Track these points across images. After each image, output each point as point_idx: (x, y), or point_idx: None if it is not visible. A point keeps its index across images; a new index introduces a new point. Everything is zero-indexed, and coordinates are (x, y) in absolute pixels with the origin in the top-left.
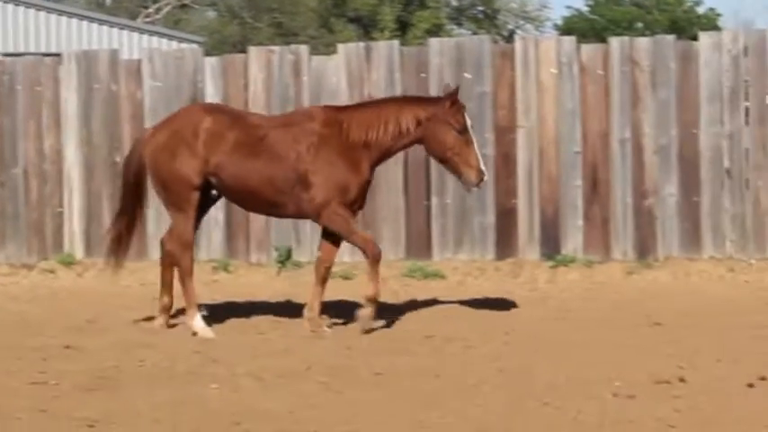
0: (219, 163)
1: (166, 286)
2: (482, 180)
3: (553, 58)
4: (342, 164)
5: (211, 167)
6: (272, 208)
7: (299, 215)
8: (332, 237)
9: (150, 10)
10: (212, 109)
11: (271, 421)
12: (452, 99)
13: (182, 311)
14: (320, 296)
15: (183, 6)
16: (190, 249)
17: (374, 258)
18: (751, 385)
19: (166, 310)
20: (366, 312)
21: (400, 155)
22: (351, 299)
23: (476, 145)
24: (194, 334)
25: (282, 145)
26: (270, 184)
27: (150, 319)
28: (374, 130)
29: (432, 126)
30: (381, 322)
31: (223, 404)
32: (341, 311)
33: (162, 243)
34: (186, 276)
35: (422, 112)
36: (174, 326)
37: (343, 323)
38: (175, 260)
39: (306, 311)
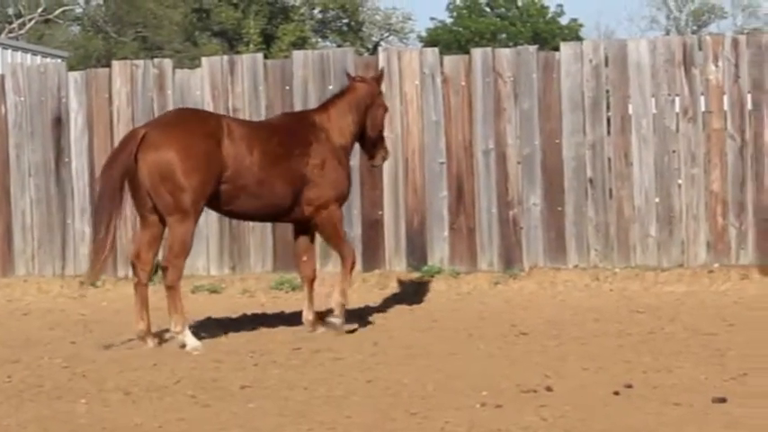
0: (241, 167)
1: (144, 308)
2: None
3: (416, 70)
4: (338, 165)
5: (230, 172)
6: (280, 213)
7: (294, 218)
8: (306, 238)
9: (14, 25)
10: (214, 113)
11: None
12: (380, 82)
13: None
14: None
15: (47, 21)
16: (186, 257)
17: (351, 269)
18: (617, 393)
19: (147, 333)
20: (336, 320)
21: None
22: (219, 314)
23: None
24: (183, 346)
25: (291, 149)
26: (288, 188)
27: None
28: (348, 128)
29: (372, 110)
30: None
31: (92, 420)
32: (209, 326)
33: (133, 264)
34: (177, 287)
35: (367, 100)
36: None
37: (213, 337)
38: (168, 271)
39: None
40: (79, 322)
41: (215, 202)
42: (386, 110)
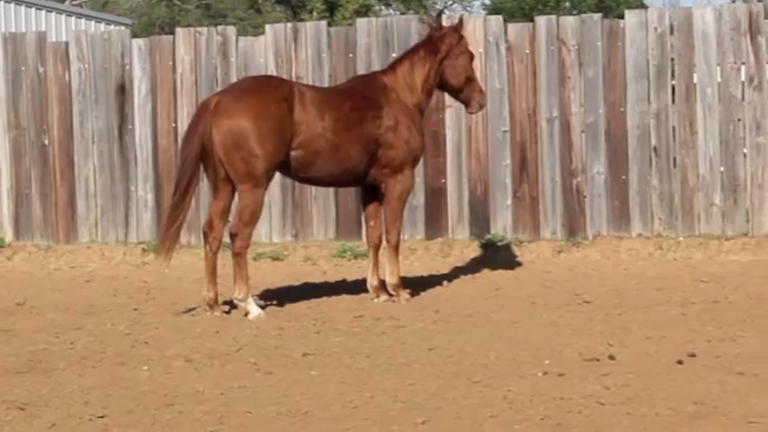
0: (313, 133)
1: (213, 277)
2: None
3: (480, 38)
4: (411, 124)
5: (302, 138)
6: (356, 178)
7: (369, 183)
8: (374, 203)
9: None
10: (286, 80)
11: (202, 402)
12: (459, 30)
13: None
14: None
15: None
16: (254, 226)
17: (396, 250)
18: (680, 362)
19: (215, 302)
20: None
21: None
22: (281, 281)
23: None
24: (246, 315)
25: (363, 112)
26: (363, 152)
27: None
28: (418, 85)
29: (450, 60)
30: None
31: (154, 386)
32: (271, 293)
33: (205, 233)
34: (245, 254)
35: (441, 52)
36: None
37: (275, 305)
38: (237, 238)
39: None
40: (141, 289)
41: (289, 168)
42: (471, 57)
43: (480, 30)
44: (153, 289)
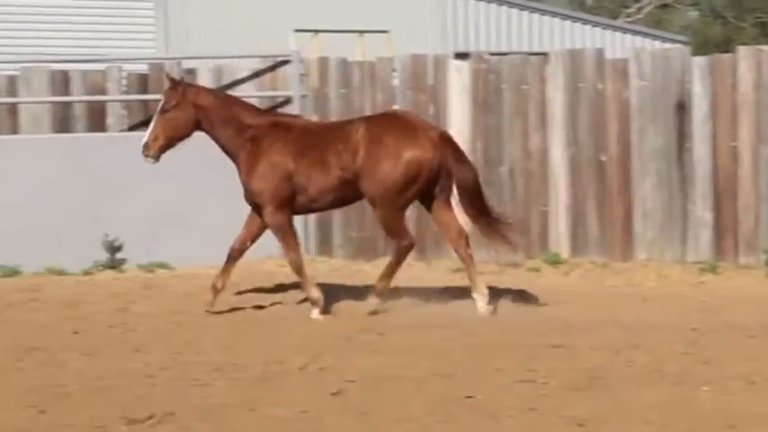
0: None
1: None
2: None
3: None
4: None
5: None
6: None
7: None
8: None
9: (631, 9)
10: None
11: (765, 426)
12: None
13: None
14: None
15: (665, 6)
16: None
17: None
18: None
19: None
20: None
21: None
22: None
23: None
24: None
25: None
26: None
27: None
28: None
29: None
30: None
31: (715, 407)
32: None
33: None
34: None
35: None
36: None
37: None
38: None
39: None
40: (699, 309)
41: None
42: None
43: None
44: (710, 309)
